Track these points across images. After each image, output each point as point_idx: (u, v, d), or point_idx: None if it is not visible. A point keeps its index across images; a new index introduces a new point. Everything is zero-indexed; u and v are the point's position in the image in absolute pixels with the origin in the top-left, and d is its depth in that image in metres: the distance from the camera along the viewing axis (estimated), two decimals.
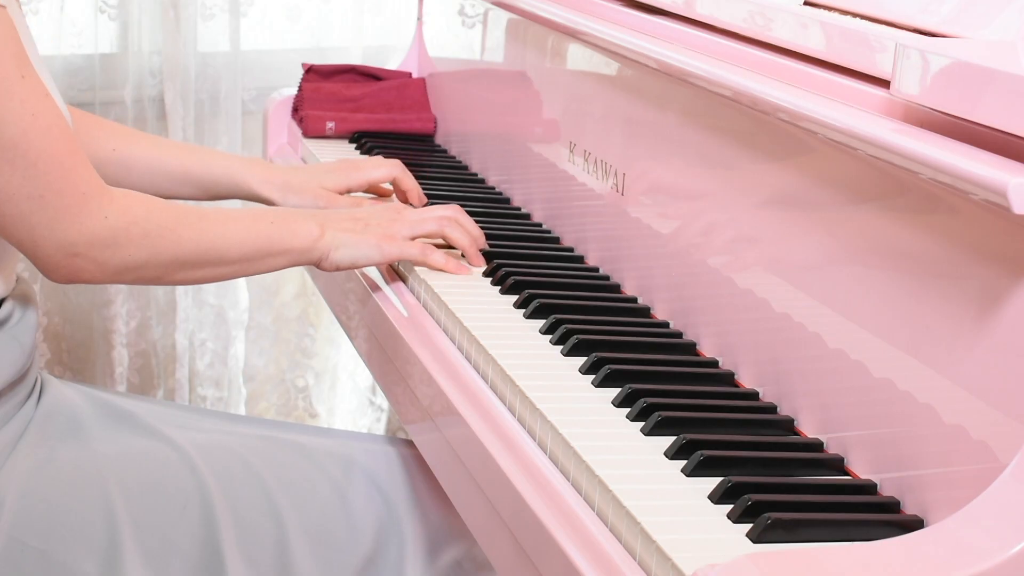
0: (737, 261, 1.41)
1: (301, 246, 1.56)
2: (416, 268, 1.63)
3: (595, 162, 1.71)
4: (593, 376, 1.37)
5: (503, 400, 1.35)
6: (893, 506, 1.15)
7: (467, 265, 1.65)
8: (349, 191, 1.82)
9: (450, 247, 1.67)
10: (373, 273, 1.70)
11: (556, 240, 1.81)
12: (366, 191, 1.89)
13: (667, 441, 1.23)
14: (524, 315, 1.53)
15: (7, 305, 1.51)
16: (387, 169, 1.84)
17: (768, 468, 1.21)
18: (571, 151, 1.78)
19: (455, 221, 1.65)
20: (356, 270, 1.72)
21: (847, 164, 1.24)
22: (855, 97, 1.26)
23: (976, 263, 1.09)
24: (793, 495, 1.16)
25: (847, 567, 0.98)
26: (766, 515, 1.08)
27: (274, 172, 1.81)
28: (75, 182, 1.41)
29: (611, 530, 1.12)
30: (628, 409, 1.30)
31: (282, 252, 1.55)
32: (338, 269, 1.59)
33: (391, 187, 1.89)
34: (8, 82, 1.38)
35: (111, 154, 1.75)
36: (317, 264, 1.58)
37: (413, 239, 1.62)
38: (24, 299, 1.54)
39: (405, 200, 1.86)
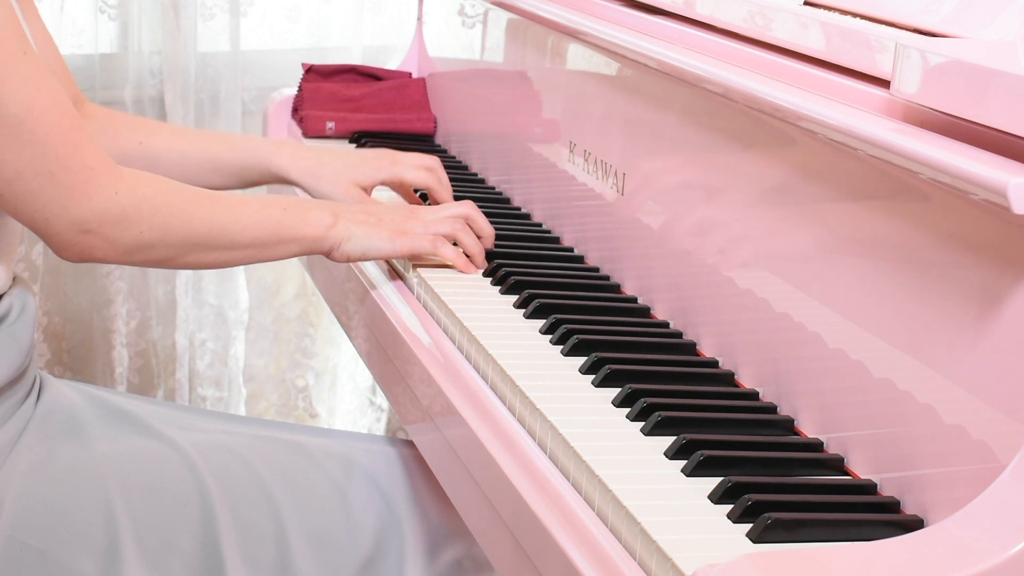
0: (737, 261, 1.41)
1: (313, 234, 1.56)
2: (417, 268, 1.63)
3: (595, 162, 1.71)
4: (593, 376, 1.37)
5: (503, 400, 1.35)
6: (893, 506, 1.15)
7: (473, 265, 1.65)
8: (382, 184, 1.81)
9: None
10: (373, 272, 1.70)
11: (556, 240, 1.81)
12: (395, 190, 1.88)
13: (667, 441, 1.23)
14: (524, 315, 1.53)
15: (5, 302, 1.51)
16: (423, 176, 1.80)
17: (768, 468, 1.21)
18: (571, 151, 1.78)
19: (468, 222, 1.65)
20: (356, 270, 1.72)
21: (847, 164, 1.24)
22: (855, 97, 1.26)
23: (976, 263, 1.09)
24: (793, 495, 1.16)
25: (847, 567, 0.98)
26: (766, 515, 1.08)
27: (305, 155, 1.79)
28: (83, 157, 1.41)
29: (611, 530, 1.12)
30: (628, 409, 1.30)
31: (294, 239, 1.55)
32: (348, 260, 1.59)
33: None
34: (11, 59, 1.38)
35: (138, 147, 1.75)
36: (328, 254, 1.58)
37: None
38: (22, 297, 1.54)
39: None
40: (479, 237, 1.66)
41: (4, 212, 1.48)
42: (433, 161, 1.81)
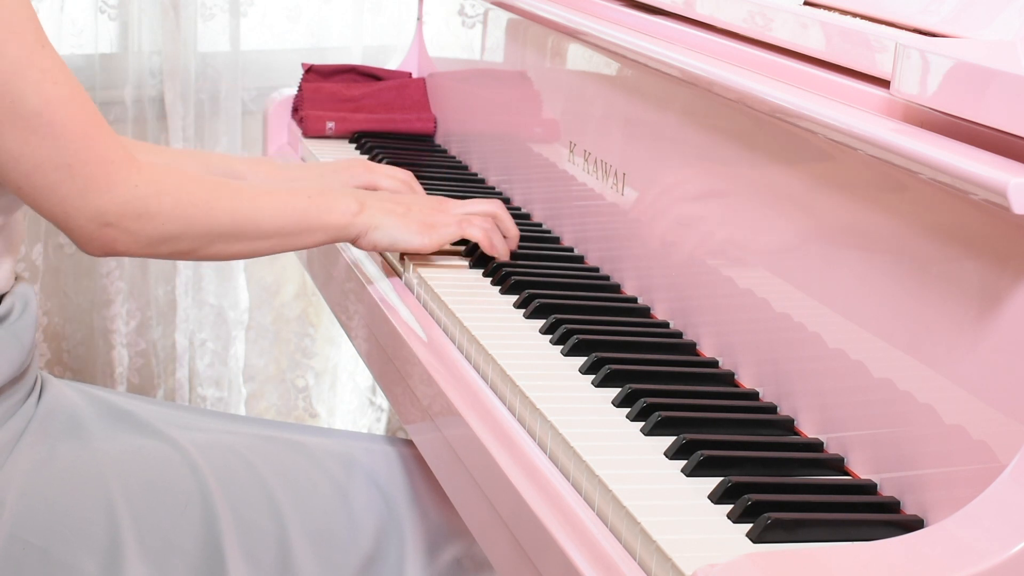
0: (737, 261, 1.41)
1: (339, 223, 1.56)
2: (417, 268, 1.63)
3: (595, 162, 1.71)
4: (593, 376, 1.37)
5: (503, 400, 1.35)
6: (893, 506, 1.16)
7: (497, 249, 1.65)
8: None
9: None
10: (373, 272, 1.70)
11: (556, 240, 1.81)
12: None
13: (667, 441, 1.23)
14: (524, 315, 1.53)
15: (7, 302, 1.51)
16: (396, 185, 1.80)
17: (768, 468, 1.21)
18: (571, 151, 1.78)
19: (496, 222, 1.64)
20: (356, 270, 1.72)
21: (847, 164, 1.24)
22: (855, 97, 1.26)
23: (976, 263, 1.09)
24: (793, 495, 1.16)
25: (847, 567, 0.98)
26: (766, 515, 1.08)
27: (280, 170, 1.80)
28: (102, 151, 1.41)
29: (611, 530, 1.12)
30: (628, 409, 1.30)
31: (320, 228, 1.55)
32: (375, 249, 1.59)
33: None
34: (29, 51, 1.38)
35: None
36: (354, 242, 1.58)
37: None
38: (24, 297, 1.54)
39: None
40: (504, 237, 1.66)
41: (11, 210, 1.48)
42: (406, 175, 1.81)
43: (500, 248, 1.65)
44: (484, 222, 1.64)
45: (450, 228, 1.61)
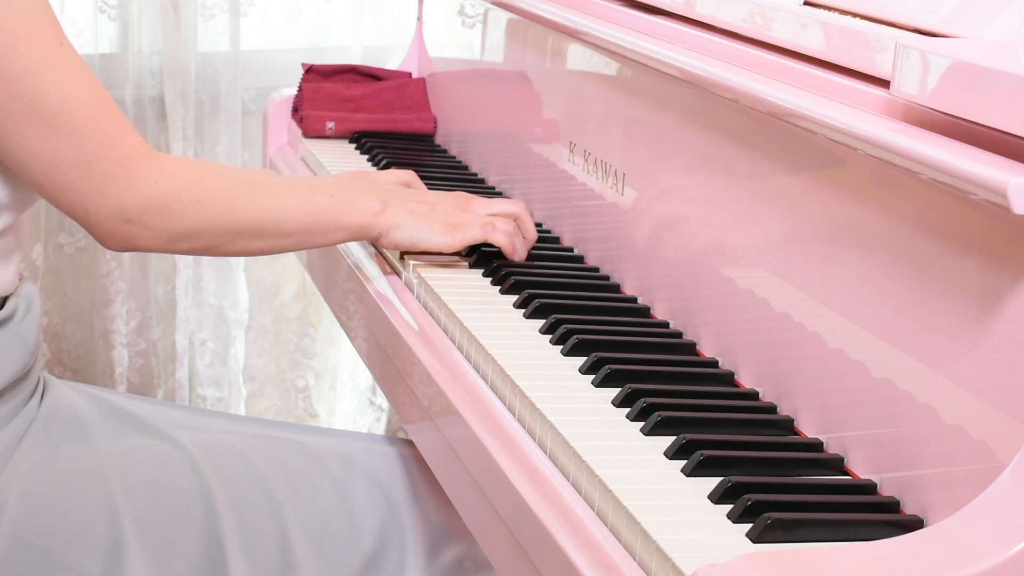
0: (737, 261, 1.41)
1: (360, 222, 1.56)
2: (417, 268, 1.63)
3: (595, 162, 1.71)
4: (593, 376, 1.37)
5: (503, 400, 1.35)
6: (893, 506, 1.16)
7: (517, 253, 1.65)
8: None
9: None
10: (373, 272, 1.70)
11: (556, 240, 1.81)
12: None
13: (667, 441, 1.23)
14: (524, 315, 1.53)
15: (11, 302, 1.51)
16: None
17: (768, 468, 1.21)
18: (571, 151, 1.78)
19: (518, 223, 1.64)
20: (356, 270, 1.72)
21: (847, 164, 1.24)
22: (855, 97, 1.26)
23: (976, 263, 1.09)
24: (793, 495, 1.16)
25: (847, 567, 0.98)
26: (766, 515, 1.08)
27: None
28: (121, 148, 1.42)
29: (611, 530, 1.12)
30: (628, 409, 1.30)
31: (340, 227, 1.55)
32: (397, 248, 1.60)
33: None
34: (48, 48, 1.38)
35: None
36: (376, 240, 1.58)
37: None
38: (28, 297, 1.54)
39: None
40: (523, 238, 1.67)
41: (21, 208, 1.48)
42: (409, 176, 1.81)
43: (521, 254, 1.65)
44: (507, 225, 1.64)
45: (474, 230, 1.61)
